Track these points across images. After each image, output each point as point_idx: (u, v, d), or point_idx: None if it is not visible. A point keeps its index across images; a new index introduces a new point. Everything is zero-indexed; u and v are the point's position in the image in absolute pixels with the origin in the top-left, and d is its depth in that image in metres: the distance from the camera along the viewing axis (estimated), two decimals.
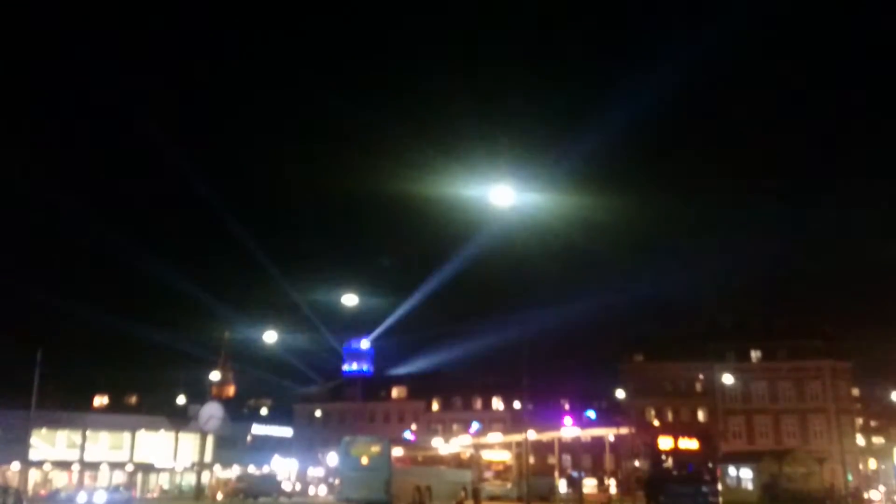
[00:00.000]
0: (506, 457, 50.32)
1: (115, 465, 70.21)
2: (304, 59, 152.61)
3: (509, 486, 45.03)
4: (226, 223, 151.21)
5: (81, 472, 69.37)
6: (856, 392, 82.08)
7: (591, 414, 70.99)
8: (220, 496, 64.83)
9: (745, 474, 58.46)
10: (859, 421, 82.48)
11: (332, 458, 66.82)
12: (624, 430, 39.42)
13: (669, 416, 79.63)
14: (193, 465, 69.41)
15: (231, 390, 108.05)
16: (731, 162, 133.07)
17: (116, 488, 60.55)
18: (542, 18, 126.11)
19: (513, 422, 79.70)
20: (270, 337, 51.34)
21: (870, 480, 75.75)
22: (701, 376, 79.21)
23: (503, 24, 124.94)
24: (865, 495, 66.51)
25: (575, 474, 48.68)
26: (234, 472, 79.56)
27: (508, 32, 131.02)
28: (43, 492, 64.09)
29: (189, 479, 72.21)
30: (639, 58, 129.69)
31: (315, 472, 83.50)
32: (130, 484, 64.87)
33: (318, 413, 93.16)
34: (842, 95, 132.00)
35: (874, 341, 75.84)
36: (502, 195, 20.00)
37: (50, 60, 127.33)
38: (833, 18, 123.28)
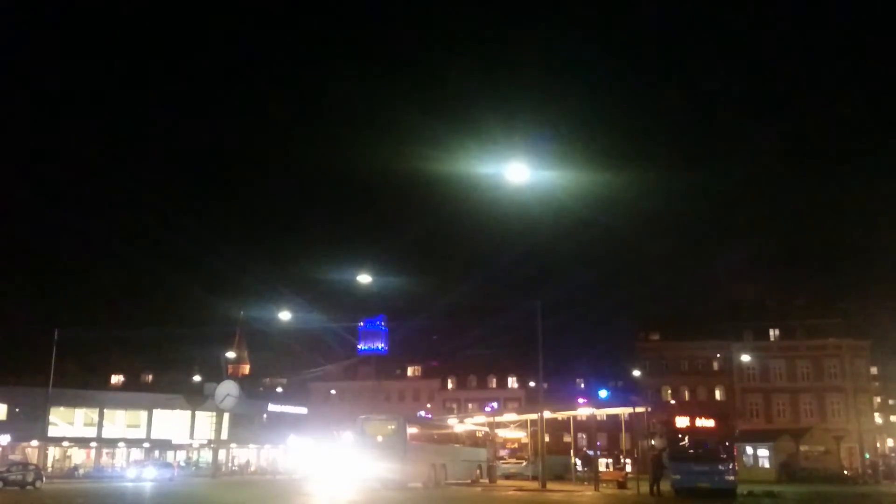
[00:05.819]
0: (521, 435, 50.11)
1: (132, 443, 70.73)
2: (317, 40, 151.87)
3: (524, 464, 44.89)
4: (242, 203, 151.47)
5: (99, 450, 69.97)
6: (874, 370, 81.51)
7: (603, 393, 70.54)
8: None
9: (763, 453, 58.12)
10: (877, 399, 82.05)
11: (348, 437, 66.95)
12: (640, 409, 39.10)
13: (686, 395, 79.43)
14: (209, 442, 69.76)
15: (246, 369, 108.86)
16: (751, 139, 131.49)
17: (165, 463, 61.19)
18: None
19: (528, 400, 79.62)
20: (286, 316, 51.37)
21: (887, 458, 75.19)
22: (718, 355, 78.87)
23: (517, 1, 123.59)
24: None
25: (590, 453, 48.42)
26: (250, 450, 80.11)
27: (523, 9, 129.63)
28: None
29: (206, 457, 72.65)
30: (656, 35, 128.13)
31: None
32: (147, 461, 65.19)
33: (333, 391, 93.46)
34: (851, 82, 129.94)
35: (893, 320, 75.16)
36: (518, 172, 19.52)
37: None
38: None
